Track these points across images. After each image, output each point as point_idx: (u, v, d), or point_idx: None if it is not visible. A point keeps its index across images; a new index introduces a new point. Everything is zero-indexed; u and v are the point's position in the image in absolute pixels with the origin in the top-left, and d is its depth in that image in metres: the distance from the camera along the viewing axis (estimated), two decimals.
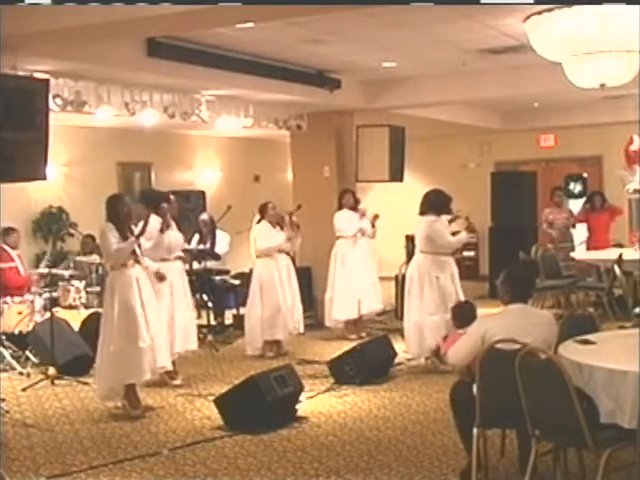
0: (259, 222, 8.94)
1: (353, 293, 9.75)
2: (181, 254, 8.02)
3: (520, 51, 8.69)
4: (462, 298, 7.69)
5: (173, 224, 7.81)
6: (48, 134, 6.36)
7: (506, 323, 4.59)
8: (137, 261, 6.76)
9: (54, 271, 8.84)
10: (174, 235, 7.78)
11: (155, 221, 7.48)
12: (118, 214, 6.70)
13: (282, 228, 9.00)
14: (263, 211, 8.96)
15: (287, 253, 9.23)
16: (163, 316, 7.45)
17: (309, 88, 9.90)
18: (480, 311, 5.65)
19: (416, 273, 7.93)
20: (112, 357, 6.59)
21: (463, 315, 5.53)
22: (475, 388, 4.48)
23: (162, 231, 7.42)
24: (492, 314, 4.97)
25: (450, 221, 8.08)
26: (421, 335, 7.84)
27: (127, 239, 6.64)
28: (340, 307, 9.79)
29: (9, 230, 9.35)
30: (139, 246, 6.77)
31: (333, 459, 5.43)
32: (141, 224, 7.01)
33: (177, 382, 7.63)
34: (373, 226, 9.84)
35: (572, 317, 5.40)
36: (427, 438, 5.82)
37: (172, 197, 8.02)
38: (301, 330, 9.27)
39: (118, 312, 6.57)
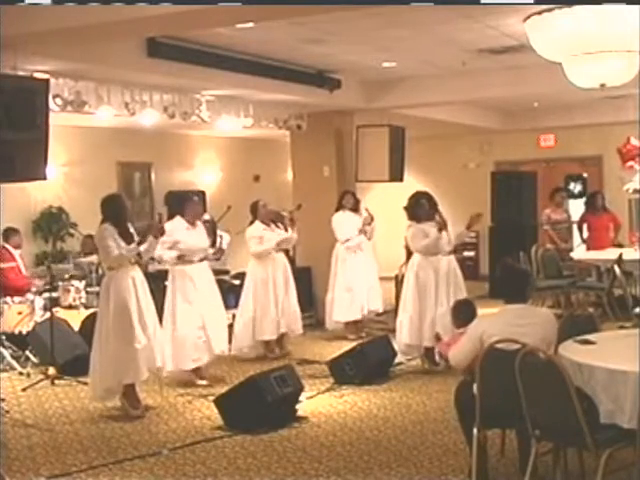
0: (252, 223, 8.84)
1: (354, 295, 9.74)
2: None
3: (520, 51, 8.68)
4: (450, 296, 7.73)
5: (199, 224, 7.75)
6: (48, 134, 6.35)
7: (503, 323, 4.60)
8: (136, 262, 6.76)
9: (54, 271, 8.85)
10: (197, 236, 7.67)
11: (179, 222, 7.57)
12: (118, 214, 6.69)
13: (276, 225, 8.91)
14: (254, 211, 8.86)
15: (286, 252, 9.20)
16: (195, 317, 7.50)
17: (309, 88, 9.89)
18: (480, 311, 5.63)
19: (409, 274, 8.04)
20: (109, 358, 6.57)
21: (462, 314, 5.51)
22: (475, 388, 4.49)
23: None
24: (490, 314, 4.97)
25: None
26: (402, 334, 7.93)
27: (127, 240, 6.63)
28: (341, 309, 9.78)
29: (12, 231, 9.37)
30: (139, 254, 6.73)
31: (333, 459, 5.44)
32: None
33: (204, 382, 7.60)
34: (369, 224, 9.78)
35: (572, 317, 5.40)
36: (427, 438, 5.83)
37: (195, 198, 7.97)
38: (300, 332, 9.23)
39: (114, 312, 6.55)
